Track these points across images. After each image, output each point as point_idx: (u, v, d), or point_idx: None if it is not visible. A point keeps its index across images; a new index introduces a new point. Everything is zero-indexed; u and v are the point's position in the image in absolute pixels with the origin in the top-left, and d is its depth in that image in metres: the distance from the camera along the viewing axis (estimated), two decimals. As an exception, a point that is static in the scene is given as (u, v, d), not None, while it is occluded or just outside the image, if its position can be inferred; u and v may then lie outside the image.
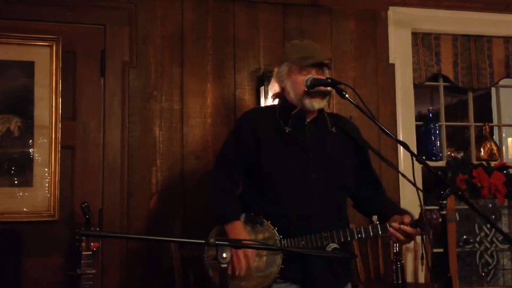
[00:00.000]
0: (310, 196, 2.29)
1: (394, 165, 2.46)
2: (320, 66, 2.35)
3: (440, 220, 2.20)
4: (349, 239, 2.26)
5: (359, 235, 2.27)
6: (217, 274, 2.22)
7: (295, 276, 2.28)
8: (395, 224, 2.25)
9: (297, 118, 2.35)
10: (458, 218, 2.32)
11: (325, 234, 2.25)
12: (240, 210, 2.33)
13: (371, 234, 2.27)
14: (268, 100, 3.27)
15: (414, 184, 2.07)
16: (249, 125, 2.39)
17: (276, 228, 2.28)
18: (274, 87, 2.52)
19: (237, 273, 2.22)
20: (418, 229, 2.24)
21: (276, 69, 2.48)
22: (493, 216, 3.95)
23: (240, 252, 2.21)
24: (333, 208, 2.36)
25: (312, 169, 2.32)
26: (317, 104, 2.32)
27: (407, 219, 2.27)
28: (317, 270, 2.27)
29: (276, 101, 2.50)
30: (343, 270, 2.38)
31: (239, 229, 2.27)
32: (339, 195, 2.39)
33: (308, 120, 2.38)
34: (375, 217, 2.28)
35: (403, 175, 2.24)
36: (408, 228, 2.24)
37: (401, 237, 2.25)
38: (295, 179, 2.31)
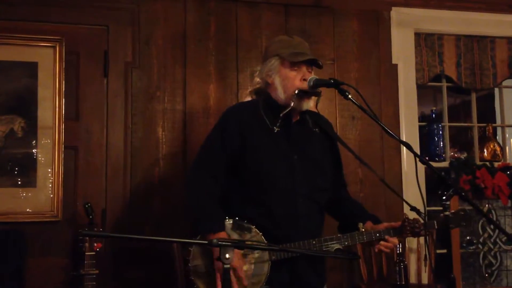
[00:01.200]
0: (296, 197, 2.27)
1: (371, 167, 2.45)
2: (311, 64, 2.33)
3: (422, 228, 2.24)
4: (336, 247, 2.25)
5: (346, 243, 2.27)
6: (205, 284, 2.20)
7: (282, 281, 2.25)
8: (383, 243, 2.30)
9: (283, 118, 2.31)
10: (436, 226, 2.31)
11: (313, 241, 2.23)
12: (223, 218, 2.24)
13: (357, 241, 2.29)
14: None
15: (396, 192, 2.12)
16: (235, 123, 2.32)
17: (262, 234, 2.22)
18: (256, 84, 2.46)
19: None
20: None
21: (260, 65, 2.44)
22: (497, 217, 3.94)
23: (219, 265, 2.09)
24: (316, 209, 2.35)
25: (296, 170, 2.29)
26: (305, 104, 2.30)
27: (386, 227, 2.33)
28: (303, 272, 2.26)
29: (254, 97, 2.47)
30: (324, 269, 2.42)
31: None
32: (321, 196, 2.37)
33: (294, 120, 2.36)
34: (360, 225, 2.30)
35: (384, 181, 2.25)
36: (395, 241, 2.31)
37: (387, 250, 2.32)
38: (281, 180, 2.27)
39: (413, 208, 2.11)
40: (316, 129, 2.40)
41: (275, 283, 2.23)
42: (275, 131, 2.29)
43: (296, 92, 2.26)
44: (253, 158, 2.27)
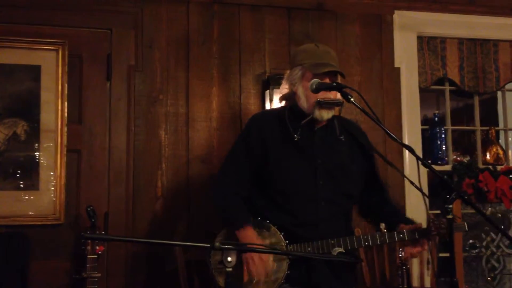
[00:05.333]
0: (318, 203, 2.30)
1: (401, 171, 2.47)
2: (334, 74, 2.35)
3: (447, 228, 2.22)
4: (356, 246, 2.27)
5: (366, 243, 2.28)
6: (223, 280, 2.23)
7: (301, 281, 2.28)
8: (408, 249, 2.32)
9: (307, 125, 2.35)
10: (467, 229, 2.32)
11: (332, 241, 2.25)
12: (249, 214, 2.32)
13: (378, 242, 2.29)
14: (274, 104, 3.27)
15: (420, 190, 2.08)
16: (257, 130, 2.39)
17: (283, 234, 2.28)
18: (283, 89, 2.49)
19: (257, 278, 2.21)
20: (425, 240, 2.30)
21: (288, 72, 2.46)
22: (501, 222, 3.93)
23: (256, 256, 2.19)
24: (340, 214, 2.37)
25: (319, 176, 2.32)
26: (326, 114, 2.32)
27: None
28: (322, 274, 2.28)
29: (283, 103, 2.49)
30: (348, 273, 2.39)
31: (252, 235, 2.26)
32: (346, 202, 2.39)
33: (317, 126, 2.38)
34: (382, 225, 2.30)
35: (411, 181, 2.22)
36: (414, 251, 2.33)
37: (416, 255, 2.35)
38: (303, 185, 2.31)
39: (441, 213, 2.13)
40: (342, 136, 2.42)
41: (294, 281, 2.27)
42: (296, 139, 2.33)
43: (317, 101, 2.28)
44: (275, 165, 2.33)
